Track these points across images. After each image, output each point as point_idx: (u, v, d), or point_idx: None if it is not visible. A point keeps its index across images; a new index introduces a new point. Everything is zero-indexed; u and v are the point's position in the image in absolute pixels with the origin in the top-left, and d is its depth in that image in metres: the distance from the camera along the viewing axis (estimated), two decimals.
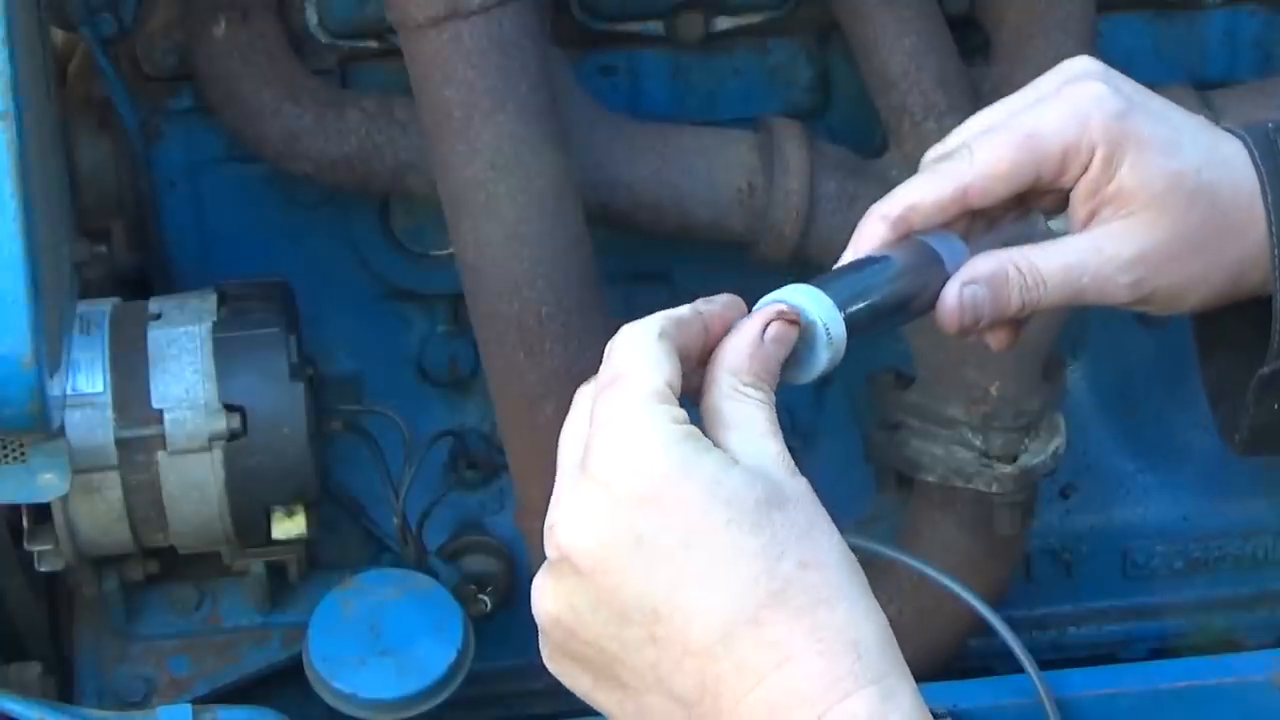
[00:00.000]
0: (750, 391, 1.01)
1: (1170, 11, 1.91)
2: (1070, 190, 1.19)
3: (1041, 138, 1.18)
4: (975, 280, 1.16)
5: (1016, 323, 1.21)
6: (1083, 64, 1.22)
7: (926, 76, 1.74)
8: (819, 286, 1.09)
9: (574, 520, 0.99)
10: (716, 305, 1.05)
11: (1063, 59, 1.73)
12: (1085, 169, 1.17)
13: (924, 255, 1.17)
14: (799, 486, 0.98)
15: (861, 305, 1.11)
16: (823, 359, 1.07)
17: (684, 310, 1.04)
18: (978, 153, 1.19)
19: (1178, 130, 1.19)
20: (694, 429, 0.99)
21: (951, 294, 1.16)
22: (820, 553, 0.97)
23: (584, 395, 1.03)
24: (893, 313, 1.15)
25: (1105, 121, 1.17)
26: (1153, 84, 1.83)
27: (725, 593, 0.95)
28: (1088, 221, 1.18)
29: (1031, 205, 1.22)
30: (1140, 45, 1.91)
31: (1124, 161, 1.17)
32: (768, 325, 1.04)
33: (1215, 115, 1.81)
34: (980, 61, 1.79)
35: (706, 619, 0.95)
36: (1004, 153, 1.18)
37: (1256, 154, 1.19)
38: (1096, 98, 1.18)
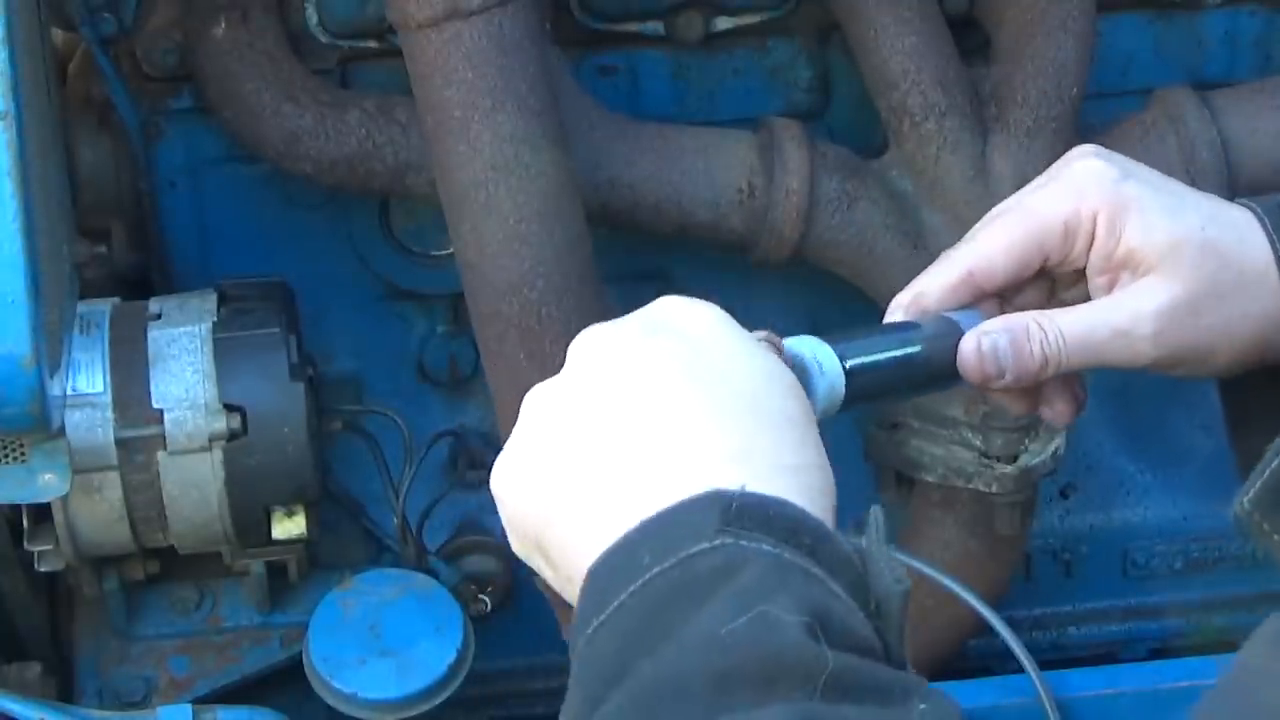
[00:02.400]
0: None
1: (1170, 11, 1.91)
2: (1085, 269, 1.21)
3: (1039, 214, 1.21)
4: (993, 330, 1.19)
5: (1062, 394, 1.22)
6: (1082, 148, 1.25)
7: (926, 76, 1.74)
8: (825, 339, 1.13)
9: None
10: None
11: (1063, 59, 1.75)
12: (1091, 240, 1.20)
13: (943, 323, 1.19)
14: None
15: (867, 360, 1.13)
16: (818, 402, 1.09)
17: None
18: (980, 235, 1.22)
19: (1177, 194, 1.22)
20: None
21: (970, 342, 1.18)
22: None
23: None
24: (906, 370, 1.16)
25: (1103, 188, 1.20)
26: (1152, 84, 1.86)
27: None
28: (1108, 292, 1.21)
29: (1059, 295, 1.24)
30: (1140, 45, 1.91)
31: (1126, 224, 1.19)
32: None
33: (1215, 115, 1.81)
34: (980, 61, 1.79)
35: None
36: (1003, 232, 1.22)
37: (1263, 215, 1.20)
38: (1092, 171, 1.22)
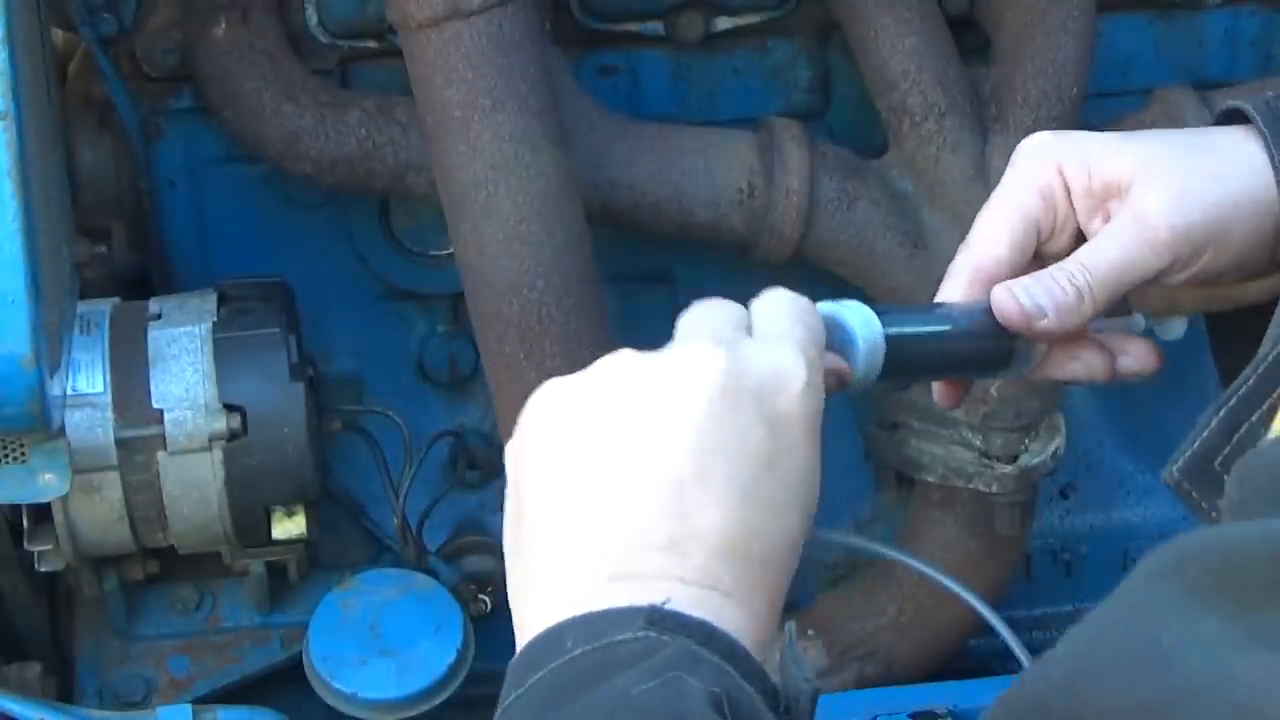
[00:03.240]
0: None
1: (1170, 11, 1.91)
2: (1079, 227, 1.23)
3: (1013, 190, 1.23)
4: (1016, 281, 1.19)
5: (1134, 341, 1.23)
6: (1031, 136, 1.27)
7: (926, 76, 1.74)
8: (872, 306, 1.13)
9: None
10: None
11: (1063, 59, 1.75)
12: (1067, 190, 1.22)
13: (975, 304, 1.20)
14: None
15: (907, 330, 1.14)
16: (858, 366, 1.09)
17: None
18: (971, 235, 1.24)
19: (1124, 132, 1.26)
20: None
21: (1001, 291, 1.19)
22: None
23: None
24: (944, 342, 1.17)
25: (1055, 145, 1.23)
26: (1153, 84, 1.86)
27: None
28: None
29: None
30: (1140, 45, 1.91)
31: (1090, 159, 1.21)
32: None
33: (1215, 115, 1.81)
34: (980, 61, 1.79)
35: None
36: (990, 220, 1.23)
37: (1255, 115, 1.21)
38: (1038, 139, 1.25)
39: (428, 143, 1.67)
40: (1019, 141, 1.73)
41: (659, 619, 0.91)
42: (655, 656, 0.89)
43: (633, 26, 1.84)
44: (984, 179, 1.75)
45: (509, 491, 1.01)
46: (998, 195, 1.24)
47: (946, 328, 1.18)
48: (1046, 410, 1.81)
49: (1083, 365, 1.23)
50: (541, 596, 0.96)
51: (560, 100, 1.67)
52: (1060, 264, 1.19)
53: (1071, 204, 1.22)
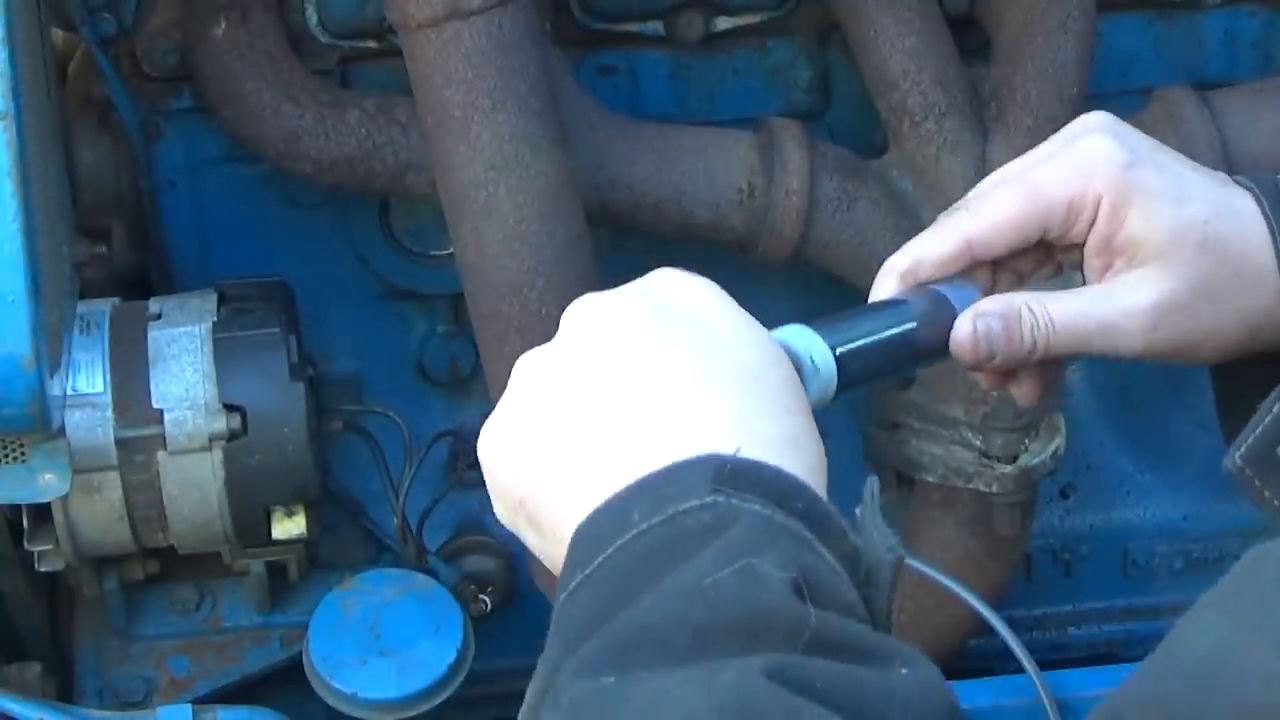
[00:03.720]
0: None
1: (1170, 11, 1.91)
2: (1084, 245, 1.20)
3: (1044, 190, 1.20)
4: (987, 313, 1.18)
5: (1034, 376, 1.22)
6: (1094, 119, 1.23)
7: (926, 76, 1.74)
8: (814, 326, 1.11)
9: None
10: None
11: (1063, 59, 1.75)
12: (1093, 221, 1.19)
13: (935, 300, 1.19)
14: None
15: (857, 344, 1.13)
16: (810, 392, 1.08)
17: None
18: (982, 205, 1.21)
19: (1185, 182, 1.20)
20: None
21: (965, 324, 1.17)
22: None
23: None
24: (897, 351, 1.16)
25: (1110, 173, 1.19)
26: (1153, 84, 1.86)
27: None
28: (1102, 275, 1.20)
29: (1055, 259, 1.23)
30: (1140, 45, 1.91)
31: (1130, 212, 1.18)
32: None
33: (1215, 115, 1.82)
34: (980, 61, 1.79)
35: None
36: (1006, 204, 1.20)
37: (1266, 204, 1.19)
38: (1102, 150, 1.20)
39: (428, 143, 1.66)
40: (1019, 142, 1.74)
41: (729, 474, 0.89)
42: (727, 533, 0.86)
43: (633, 26, 1.84)
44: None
45: (535, 398, 0.99)
46: (1027, 180, 1.20)
47: (893, 334, 1.17)
48: (1046, 410, 1.81)
49: (981, 374, 1.23)
50: (589, 488, 0.93)
51: (560, 100, 1.67)
52: (1031, 304, 1.17)
53: (1089, 232, 1.19)
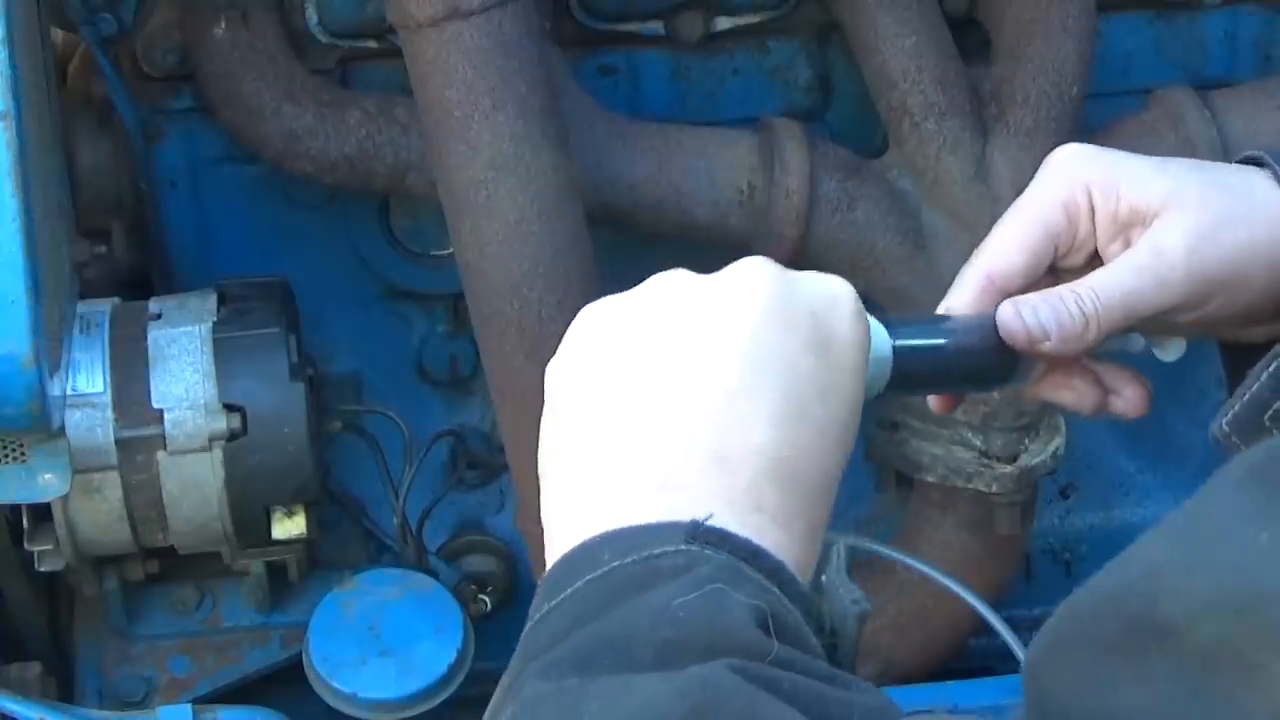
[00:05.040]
0: None
1: (1170, 11, 1.91)
2: (1097, 247, 1.21)
3: (1036, 202, 1.21)
4: (1025, 299, 1.18)
5: (1131, 380, 1.22)
6: (1064, 147, 1.25)
7: (926, 76, 1.74)
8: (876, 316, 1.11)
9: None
10: None
11: (1063, 59, 1.75)
12: (1092, 212, 1.20)
13: (982, 316, 1.19)
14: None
15: (915, 343, 1.13)
16: (867, 377, 1.08)
17: None
18: (989, 241, 1.22)
19: (1157, 158, 1.23)
20: None
21: (1008, 309, 1.17)
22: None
23: None
24: (950, 359, 1.16)
25: (1085, 162, 1.21)
26: (1153, 84, 1.86)
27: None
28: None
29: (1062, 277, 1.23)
30: (1140, 45, 1.91)
31: (1120, 184, 1.19)
32: None
33: (1215, 115, 1.82)
34: (980, 61, 1.79)
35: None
36: (1009, 230, 1.22)
37: (1270, 160, 1.20)
38: (1071, 153, 1.23)
39: (428, 142, 1.67)
40: (1019, 141, 1.75)
41: (701, 534, 0.89)
42: (697, 570, 0.87)
43: (633, 26, 1.84)
44: (984, 179, 1.75)
45: (546, 408, 1.00)
46: (1020, 204, 1.22)
47: (948, 341, 1.17)
48: (1046, 410, 1.81)
49: (1075, 394, 1.23)
50: (577, 509, 0.94)
51: (560, 100, 1.67)
52: (1072, 285, 1.18)
53: (1094, 225, 1.20)
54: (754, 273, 0.99)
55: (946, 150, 1.75)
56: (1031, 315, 1.17)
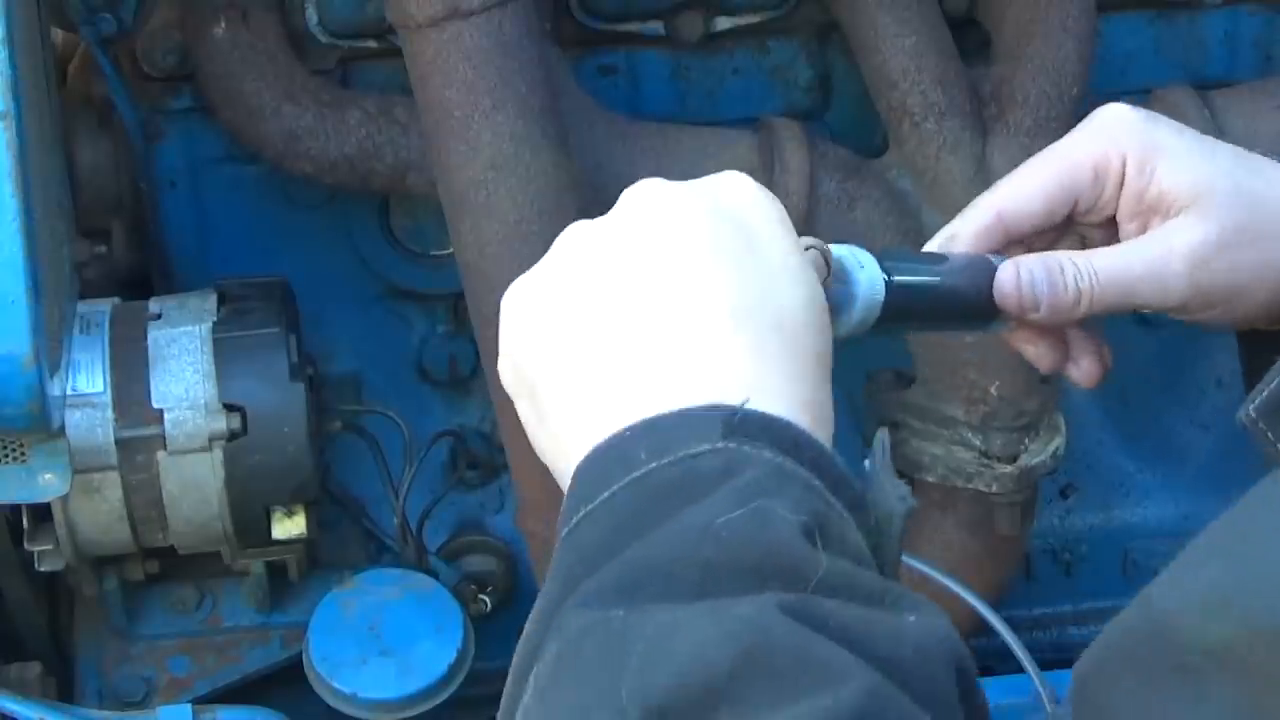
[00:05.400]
0: None
1: (1170, 11, 1.91)
2: (1116, 214, 1.20)
3: (1068, 155, 1.20)
4: (1029, 263, 1.17)
5: (1091, 352, 1.22)
6: (1114, 104, 1.23)
7: (926, 76, 1.74)
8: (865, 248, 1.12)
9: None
10: None
11: (1063, 59, 1.75)
12: (1120, 184, 1.19)
13: (977, 258, 1.19)
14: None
15: (907, 279, 1.13)
16: (855, 311, 1.08)
17: None
18: (1012, 178, 1.21)
19: (1205, 139, 1.21)
20: None
21: (1008, 270, 1.17)
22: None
23: None
24: (941, 297, 1.16)
25: (1132, 131, 1.19)
26: (1153, 84, 1.86)
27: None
28: (1139, 235, 1.20)
29: (1075, 228, 1.22)
30: (1140, 45, 1.91)
31: (1157, 165, 1.18)
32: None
33: (1215, 115, 1.82)
34: (980, 61, 1.79)
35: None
36: (1034, 173, 1.21)
37: None
38: (1121, 115, 1.21)
39: (427, 142, 1.67)
40: (1019, 141, 1.74)
41: (739, 425, 0.88)
42: (739, 476, 0.86)
43: (633, 26, 1.84)
44: (984, 179, 1.75)
45: (536, 320, 0.98)
46: (1052, 151, 1.21)
47: (941, 281, 1.17)
48: (1046, 410, 1.81)
49: (1037, 351, 1.23)
50: (600, 402, 0.92)
51: (560, 100, 1.67)
52: (1074, 257, 1.18)
53: (1120, 195, 1.20)
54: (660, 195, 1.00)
55: (946, 150, 1.75)
56: (1029, 284, 1.16)
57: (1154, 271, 1.17)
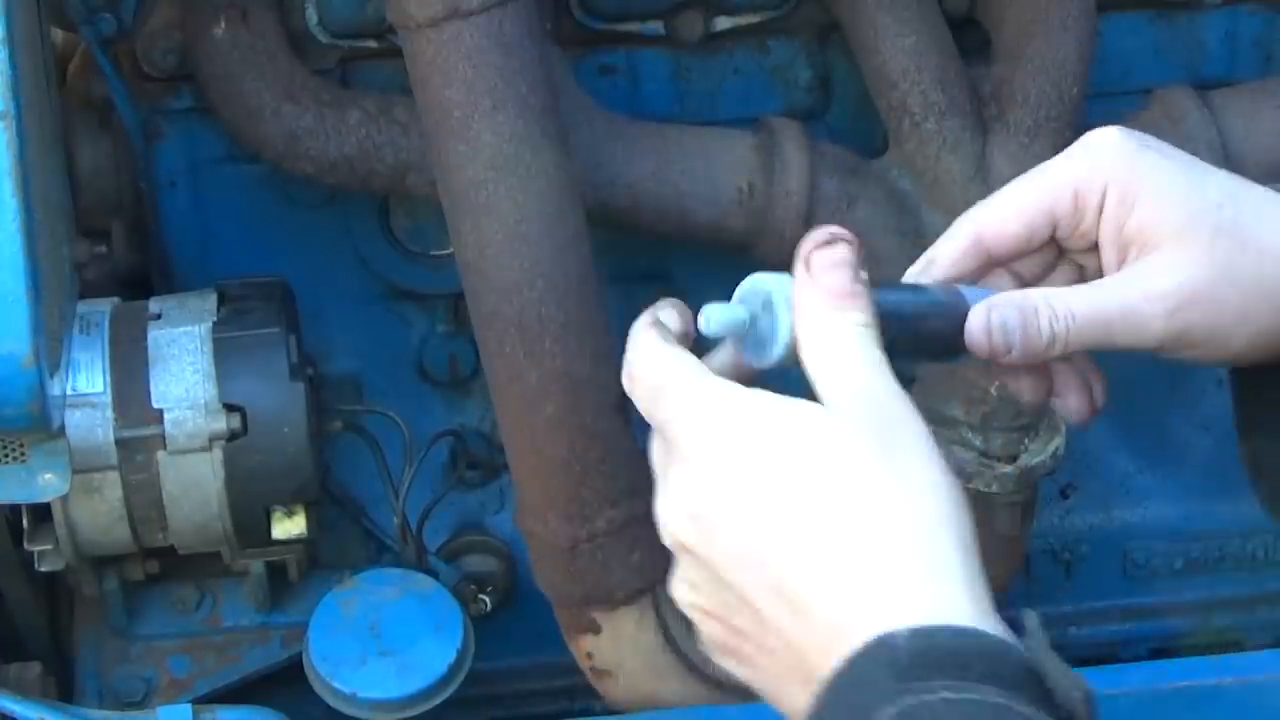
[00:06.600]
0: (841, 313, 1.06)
1: (1170, 11, 1.91)
2: (1097, 244, 1.18)
3: (1051, 178, 1.18)
4: (1001, 304, 1.15)
5: (1051, 382, 1.20)
6: (1106, 128, 1.21)
7: (926, 76, 1.74)
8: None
9: (667, 505, 1.02)
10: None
11: (1063, 59, 1.75)
12: (1101, 211, 1.17)
13: (951, 293, 1.17)
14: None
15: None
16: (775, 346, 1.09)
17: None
18: (991, 199, 1.19)
19: (1195, 168, 1.18)
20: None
21: (979, 315, 1.15)
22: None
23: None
24: (906, 332, 1.14)
25: (1117, 158, 1.17)
26: (1153, 84, 1.86)
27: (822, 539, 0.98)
28: (1118, 268, 1.17)
29: (1065, 254, 1.21)
30: (1140, 45, 1.91)
31: (1140, 197, 1.16)
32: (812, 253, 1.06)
33: (1215, 115, 1.81)
34: (980, 61, 1.79)
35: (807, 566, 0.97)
36: (1013, 195, 1.19)
37: None
38: (1108, 140, 1.18)
39: (428, 142, 1.66)
40: (1019, 141, 1.75)
41: (906, 666, 0.91)
42: None
43: (633, 26, 1.84)
44: (984, 179, 1.75)
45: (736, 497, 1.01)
46: (1035, 174, 1.19)
47: (910, 315, 1.15)
48: (1046, 410, 1.81)
49: (1019, 384, 1.21)
50: (796, 632, 0.98)
51: (560, 100, 1.67)
52: (1049, 297, 1.15)
53: (1099, 223, 1.17)
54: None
55: (946, 150, 1.75)
56: (1000, 329, 1.14)
57: (1131, 311, 1.15)
